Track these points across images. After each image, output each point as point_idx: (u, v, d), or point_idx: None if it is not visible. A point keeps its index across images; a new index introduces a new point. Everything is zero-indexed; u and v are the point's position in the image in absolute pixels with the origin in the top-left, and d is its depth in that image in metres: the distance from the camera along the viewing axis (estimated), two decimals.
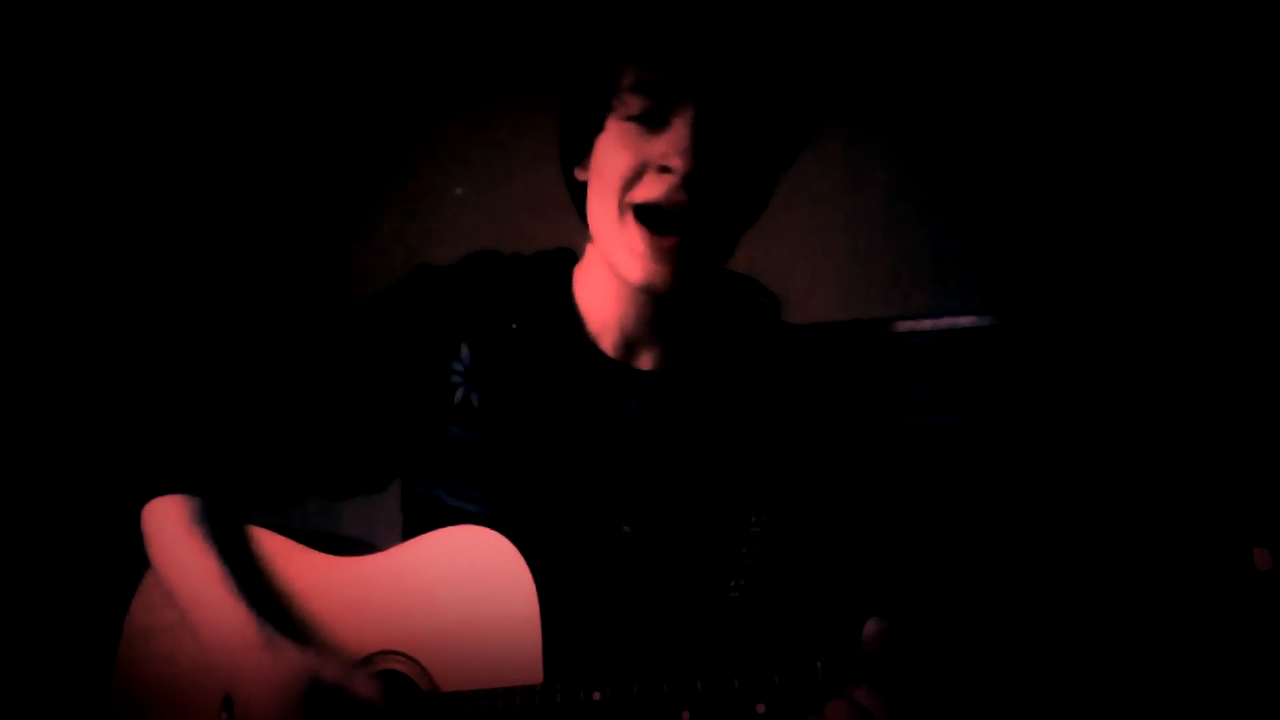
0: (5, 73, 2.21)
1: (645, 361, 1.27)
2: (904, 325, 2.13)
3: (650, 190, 1.13)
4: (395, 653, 1.19)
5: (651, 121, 1.14)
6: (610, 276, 1.22)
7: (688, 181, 1.12)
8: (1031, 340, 2.08)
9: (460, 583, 1.16)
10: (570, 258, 1.32)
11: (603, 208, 1.17)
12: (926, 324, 2.12)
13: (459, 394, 1.26)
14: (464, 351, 1.27)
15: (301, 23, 2.45)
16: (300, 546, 1.27)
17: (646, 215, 1.14)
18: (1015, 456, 2.02)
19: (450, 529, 1.20)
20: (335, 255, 2.52)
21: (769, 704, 1.01)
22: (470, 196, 2.48)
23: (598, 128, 1.18)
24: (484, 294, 1.29)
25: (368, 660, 1.20)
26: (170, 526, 1.23)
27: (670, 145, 1.12)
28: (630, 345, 1.26)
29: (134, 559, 1.28)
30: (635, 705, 1.04)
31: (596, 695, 1.05)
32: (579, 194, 1.24)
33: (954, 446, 2.03)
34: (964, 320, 2.10)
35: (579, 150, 1.22)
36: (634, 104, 1.14)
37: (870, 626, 1.03)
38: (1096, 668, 0.93)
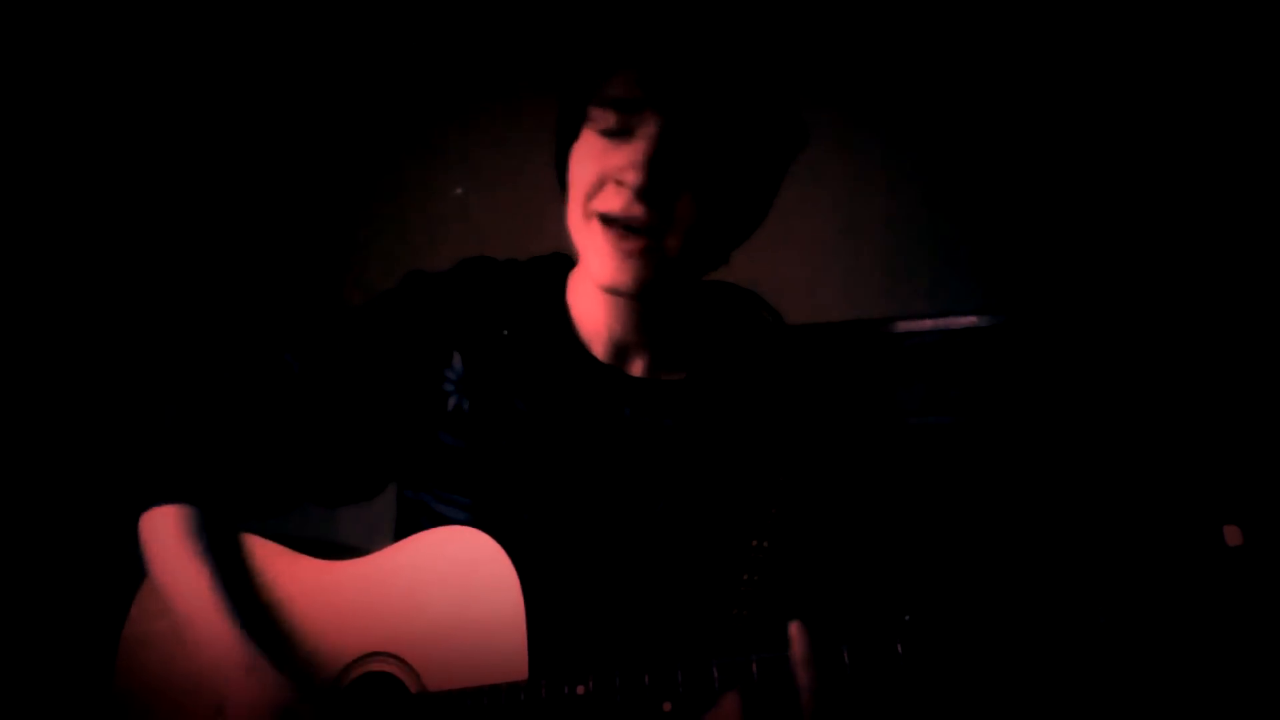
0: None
1: (637, 368, 1.27)
2: (904, 325, 2.13)
3: (609, 202, 1.16)
4: (384, 654, 1.19)
5: (618, 135, 1.16)
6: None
7: (643, 194, 1.14)
8: (1031, 340, 2.08)
9: (446, 583, 1.17)
10: (565, 263, 1.32)
11: (571, 213, 1.20)
12: (926, 324, 2.11)
13: (451, 402, 1.27)
14: (456, 360, 1.27)
15: (301, 23, 2.45)
16: (293, 553, 1.29)
17: (610, 222, 1.16)
18: (1016, 456, 2.02)
19: (435, 530, 1.20)
20: (335, 255, 2.52)
21: (745, 693, 1.03)
22: (470, 196, 2.48)
23: (575, 137, 1.20)
24: (477, 301, 1.30)
25: (357, 662, 1.21)
26: (166, 538, 1.25)
27: (627, 159, 1.14)
28: (621, 351, 1.26)
29: (132, 567, 1.29)
30: (618, 697, 1.06)
31: (580, 689, 1.06)
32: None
33: (954, 446, 2.03)
34: (964, 320, 2.10)
35: (562, 158, 1.24)
36: (602, 118, 1.16)
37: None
38: (1080, 654, 0.95)
